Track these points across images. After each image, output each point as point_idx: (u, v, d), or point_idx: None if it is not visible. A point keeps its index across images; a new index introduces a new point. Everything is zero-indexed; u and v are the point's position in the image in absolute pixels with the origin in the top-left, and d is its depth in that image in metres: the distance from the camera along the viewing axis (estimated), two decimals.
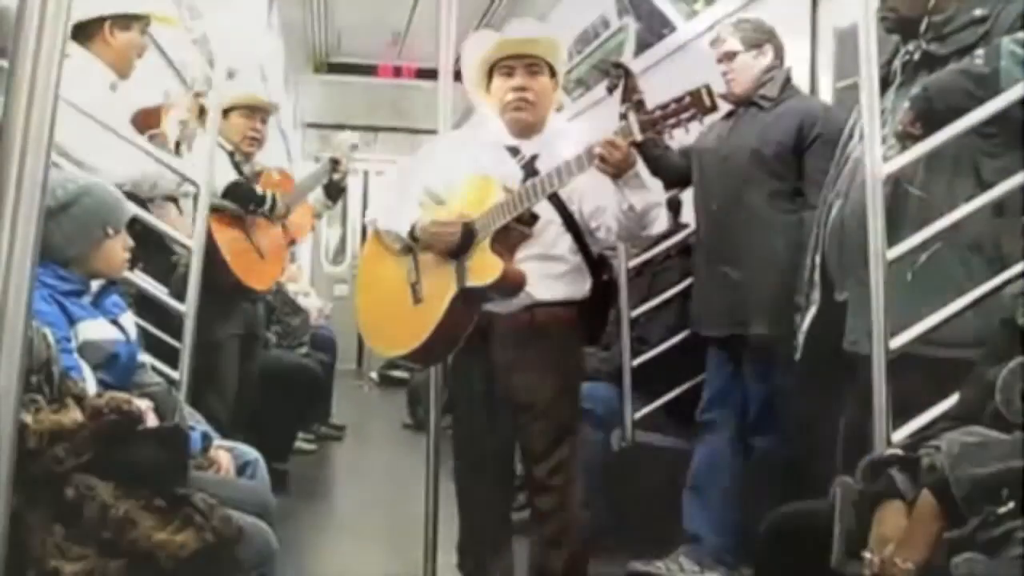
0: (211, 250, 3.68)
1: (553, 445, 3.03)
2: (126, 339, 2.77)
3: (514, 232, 2.95)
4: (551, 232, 3.03)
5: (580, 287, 3.09)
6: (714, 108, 2.68)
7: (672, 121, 2.69)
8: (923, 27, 2.75)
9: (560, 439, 3.04)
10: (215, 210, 3.72)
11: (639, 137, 2.73)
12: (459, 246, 2.95)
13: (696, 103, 2.65)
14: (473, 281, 2.94)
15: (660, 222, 2.99)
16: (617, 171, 2.78)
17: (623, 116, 2.91)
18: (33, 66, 1.23)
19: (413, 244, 3.06)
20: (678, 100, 2.68)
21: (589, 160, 2.78)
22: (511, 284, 2.95)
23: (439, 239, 2.97)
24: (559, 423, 3.05)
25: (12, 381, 1.24)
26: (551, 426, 3.03)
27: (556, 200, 3.01)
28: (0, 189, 1.20)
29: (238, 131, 4.21)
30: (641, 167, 2.86)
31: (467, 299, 2.98)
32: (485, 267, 2.92)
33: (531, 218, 2.96)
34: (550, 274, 3.03)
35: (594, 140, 2.78)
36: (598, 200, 2.97)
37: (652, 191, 2.91)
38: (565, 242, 3.05)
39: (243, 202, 3.99)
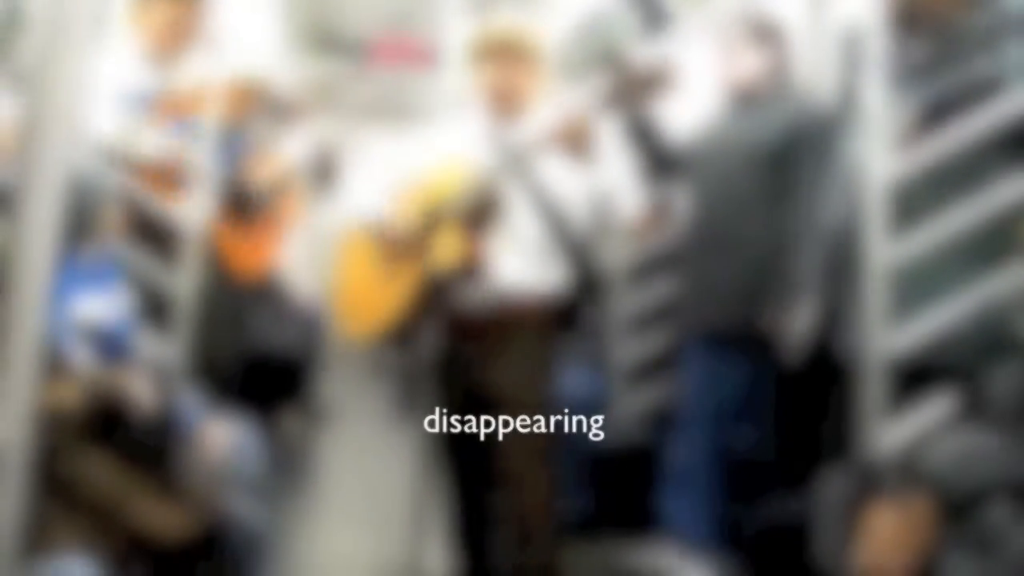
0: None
1: (527, 440, 2.99)
2: (122, 314, 2.77)
3: (481, 215, 2.95)
4: (524, 219, 3.00)
5: (554, 275, 3.06)
6: (673, 84, 2.67)
7: (633, 97, 2.69)
8: (924, 27, 2.76)
9: (536, 434, 3.00)
10: None
11: (598, 114, 2.75)
12: (425, 229, 2.98)
13: (657, 78, 2.66)
14: (436, 263, 2.96)
15: (629, 203, 2.99)
16: (575, 148, 2.79)
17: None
18: (57, 55, 1.22)
19: (378, 236, 3.10)
20: (639, 76, 2.68)
21: (550, 138, 2.79)
22: (473, 266, 2.95)
23: (392, 234, 3.03)
24: (534, 417, 3.01)
25: (30, 369, 1.24)
26: (523, 420, 2.99)
27: (532, 186, 3.00)
28: (24, 178, 1.20)
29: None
30: (605, 147, 2.86)
31: (431, 281, 2.99)
32: (447, 248, 2.94)
33: (499, 202, 2.95)
34: (521, 261, 3.00)
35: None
36: (571, 186, 2.95)
37: (615, 170, 2.91)
38: (538, 229, 3.02)
39: (236, 207, 3.98)
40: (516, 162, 2.90)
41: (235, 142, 3.79)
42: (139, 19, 3.57)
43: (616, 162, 2.98)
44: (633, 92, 2.72)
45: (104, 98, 3.30)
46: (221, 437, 2.75)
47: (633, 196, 3.00)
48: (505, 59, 3.05)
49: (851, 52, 3.71)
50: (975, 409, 2.11)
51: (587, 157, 2.82)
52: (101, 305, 2.70)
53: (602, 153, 2.86)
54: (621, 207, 2.97)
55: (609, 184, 2.90)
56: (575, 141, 2.77)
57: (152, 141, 3.40)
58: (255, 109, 3.88)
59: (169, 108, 3.51)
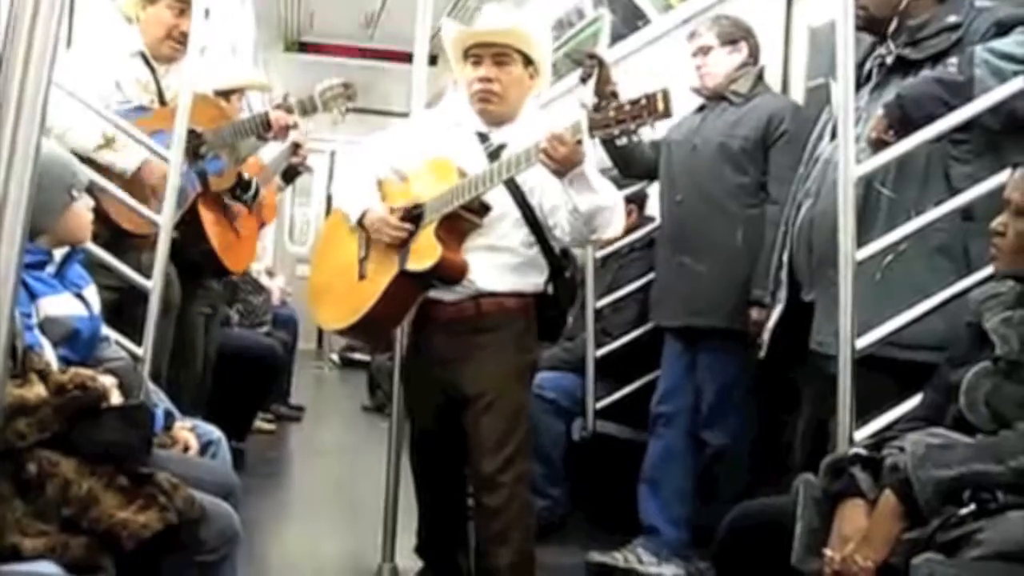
0: (197, 231, 3.74)
1: (501, 439, 2.95)
2: (89, 314, 2.73)
3: (463, 220, 2.94)
4: (505, 224, 2.99)
5: (533, 280, 3.05)
6: (668, 114, 2.60)
7: (625, 124, 2.63)
8: (892, 27, 2.78)
9: (508, 433, 2.96)
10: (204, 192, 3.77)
11: (587, 137, 2.68)
12: (406, 229, 2.97)
13: (651, 108, 2.58)
14: (412, 264, 2.95)
15: (611, 227, 2.91)
16: (561, 168, 2.71)
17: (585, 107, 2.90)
18: (28, 44, 1.21)
19: (359, 230, 3.08)
20: (633, 102, 2.61)
21: (536, 154, 2.73)
22: (450, 271, 2.94)
23: (382, 233, 3.00)
24: (505, 416, 2.97)
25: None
26: (497, 419, 2.96)
27: (516, 192, 2.98)
28: None
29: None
30: (590, 170, 2.78)
31: (407, 281, 2.98)
32: (424, 252, 2.92)
33: (482, 208, 2.93)
34: (498, 265, 2.99)
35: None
36: (555, 198, 2.90)
37: (600, 193, 2.81)
38: (519, 235, 3.00)
39: (235, 187, 3.99)
40: (503, 168, 2.87)
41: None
42: (137, 25, 3.65)
43: (603, 183, 2.90)
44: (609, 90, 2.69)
45: (94, 103, 3.33)
46: (191, 434, 2.74)
47: (621, 213, 2.96)
48: (492, 58, 3.01)
49: (820, 50, 3.73)
50: (944, 406, 2.12)
51: (575, 177, 2.75)
52: (71, 303, 2.67)
53: (591, 174, 2.81)
54: (608, 228, 2.93)
55: (597, 205, 2.82)
56: (564, 161, 2.72)
57: (129, 157, 3.43)
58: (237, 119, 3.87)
59: (157, 119, 3.51)
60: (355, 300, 3.06)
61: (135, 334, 3.16)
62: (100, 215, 3.33)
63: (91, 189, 3.17)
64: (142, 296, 3.23)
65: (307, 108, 3.74)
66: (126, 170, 3.41)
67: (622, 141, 3.47)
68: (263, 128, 3.71)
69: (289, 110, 3.71)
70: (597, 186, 2.82)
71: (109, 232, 3.38)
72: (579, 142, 2.70)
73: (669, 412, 3.80)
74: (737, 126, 3.61)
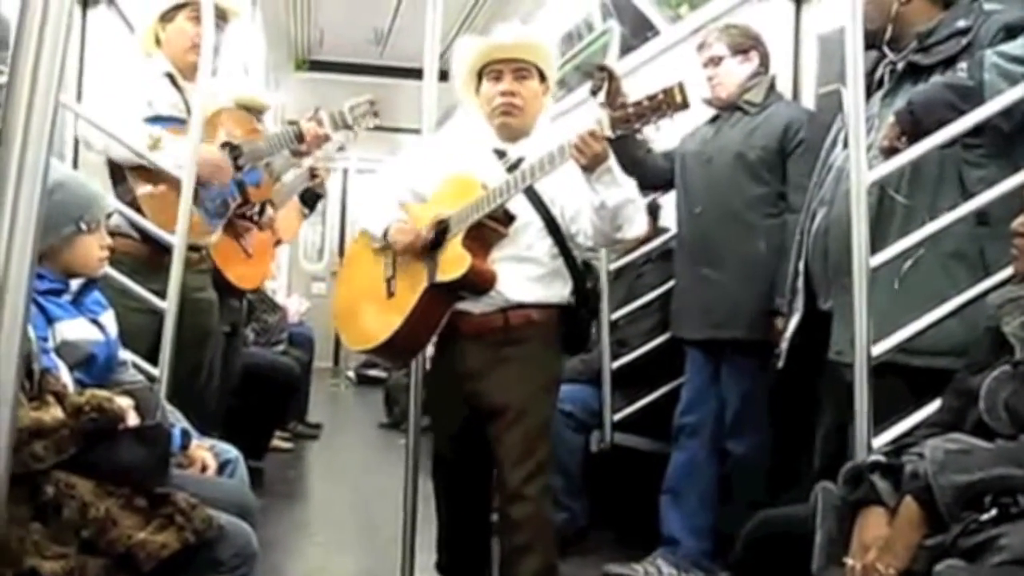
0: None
1: (526, 452, 2.94)
2: (106, 339, 2.75)
3: (489, 230, 2.95)
4: (529, 234, 3.00)
5: (558, 291, 3.05)
6: (686, 106, 2.63)
7: (645, 118, 2.65)
8: (888, 36, 2.78)
9: (534, 446, 2.96)
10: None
11: (611, 133, 2.70)
12: (432, 242, 2.97)
13: (669, 100, 2.61)
14: (441, 276, 2.95)
15: (636, 224, 2.93)
16: (591, 164, 2.74)
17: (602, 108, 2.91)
18: (35, 61, 1.21)
19: (386, 244, 3.09)
20: (651, 97, 2.64)
21: (565, 153, 2.75)
22: (479, 281, 2.94)
23: (402, 240, 3.02)
24: (532, 429, 2.97)
25: (11, 379, 1.22)
26: (524, 432, 2.95)
27: (537, 202, 2.99)
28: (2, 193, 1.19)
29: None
30: (615, 165, 2.81)
31: (437, 294, 2.98)
32: (454, 262, 2.93)
33: (507, 217, 2.95)
34: (525, 276, 2.99)
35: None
36: (577, 203, 2.94)
37: (625, 188, 2.86)
38: (543, 245, 3.01)
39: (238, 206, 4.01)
40: (526, 173, 2.88)
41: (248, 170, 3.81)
42: (161, 41, 3.69)
43: (627, 179, 2.93)
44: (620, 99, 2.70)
45: (122, 120, 3.39)
46: (209, 454, 2.74)
47: (643, 214, 2.97)
48: (512, 72, 3.04)
49: (830, 57, 3.72)
50: (964, 411, 2.11)
51: (602, 172, 2.78)
52: (87, 328, 2.68)
53: (616, 171, 2.84)
54: (632, 225, 2.95)
55: (623, 199, 2.85)
56: (595, 157, 2.74)
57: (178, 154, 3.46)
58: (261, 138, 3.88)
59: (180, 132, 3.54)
60: (385, 318, 3.07)
61: (176, 355, 3.27)
62: (140, 232, 3.39)
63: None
64: (184, 316, 3.33)
65: (338, 123, 3.78)
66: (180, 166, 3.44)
67: (641, 136, 3.49)
68: (296, 140, 3.74)
69: (320, 123, 3.74)
70: (623, 181, 2.86)
71: (149, 251, 3.44)
72: (611, 141, 2.74)
73: (693, 423, 3.80)
74: (753, 136, 3.61)
